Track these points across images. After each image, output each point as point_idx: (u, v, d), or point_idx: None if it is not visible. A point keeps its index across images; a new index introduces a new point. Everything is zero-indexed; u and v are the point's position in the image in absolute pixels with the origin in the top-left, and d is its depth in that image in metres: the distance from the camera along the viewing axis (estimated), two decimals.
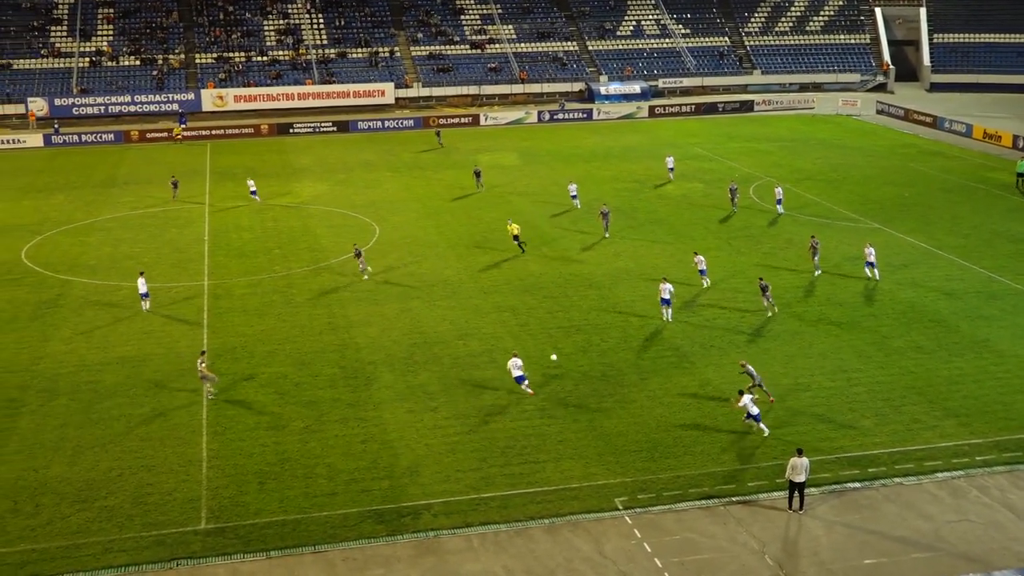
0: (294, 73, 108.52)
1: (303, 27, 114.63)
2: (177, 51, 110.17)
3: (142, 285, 47.85)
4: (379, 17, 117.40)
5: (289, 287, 51.09)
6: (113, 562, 28.55)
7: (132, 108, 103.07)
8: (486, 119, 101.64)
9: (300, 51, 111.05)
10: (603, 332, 44.46)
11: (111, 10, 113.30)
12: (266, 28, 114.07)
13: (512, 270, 52.95)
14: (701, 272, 49.79)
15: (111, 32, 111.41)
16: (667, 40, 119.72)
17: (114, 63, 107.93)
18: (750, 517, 30.43)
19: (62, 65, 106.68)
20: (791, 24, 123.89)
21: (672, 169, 74.30)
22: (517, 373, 38.19)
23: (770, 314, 46.10)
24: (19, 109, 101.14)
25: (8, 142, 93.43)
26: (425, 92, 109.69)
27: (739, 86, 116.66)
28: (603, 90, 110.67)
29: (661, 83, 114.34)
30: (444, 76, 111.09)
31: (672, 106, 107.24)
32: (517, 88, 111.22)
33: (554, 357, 40.86)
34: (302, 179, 76.36)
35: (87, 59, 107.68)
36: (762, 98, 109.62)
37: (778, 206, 63.95)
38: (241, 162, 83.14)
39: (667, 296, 45.22)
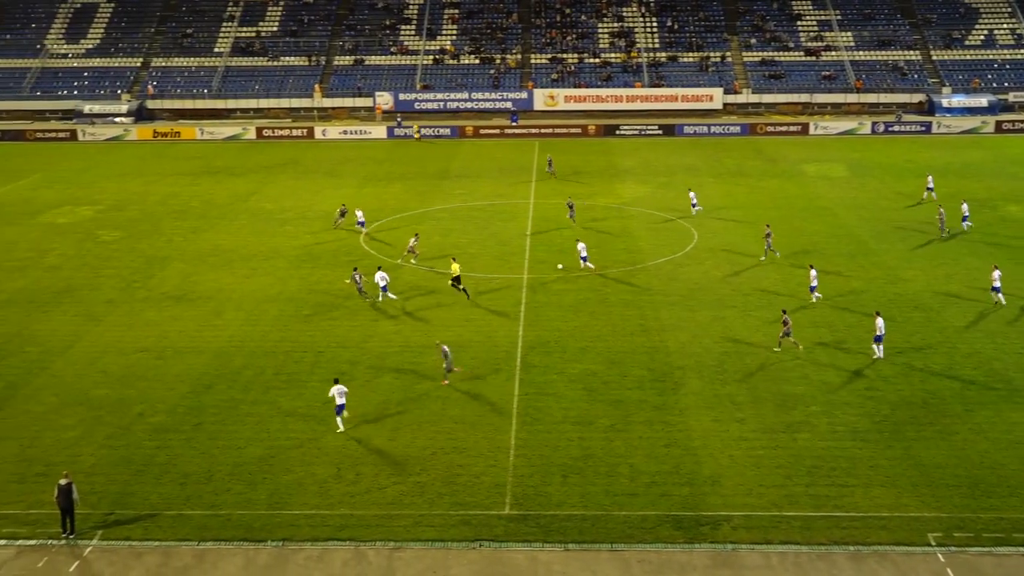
0: (624, 76, 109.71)
1: (636, 30, 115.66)
2: (514, 51, 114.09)
3: (381, 280, 49.38)
4: (713, 22, 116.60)
5: (604, 286, 51.75)
6: (422, 536, 30.03)
7: (468, 105, 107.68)
8: (815, 128, 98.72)
9: (632, 54, 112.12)
10: (926, 357, 42.13)
11: (456, 11, 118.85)
12: (600, 31, 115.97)
13: (832, 285, 51.18)
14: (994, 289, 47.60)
15: (455, 32, 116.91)
16: (1022, 51, 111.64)
17: (455, 61, 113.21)
18: None
19: (408, 62, 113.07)
20: None
21: None
22: (340, 400, 36.28)
23: None
24: (367, 103, 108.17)
25: (356, 133, 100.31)
26: (754, 99, 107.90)
27: None
28: (945, 102, 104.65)
29: (1012, 96, 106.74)
30: (775, 83, 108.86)
31: (1022, 121, 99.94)
32: (851, 97, 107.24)
33: (560, 266, 43.33)
34: (624, 180, 77.10)
35: (431, 57, 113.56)
36: None
37: None
38: (567, 161, 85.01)
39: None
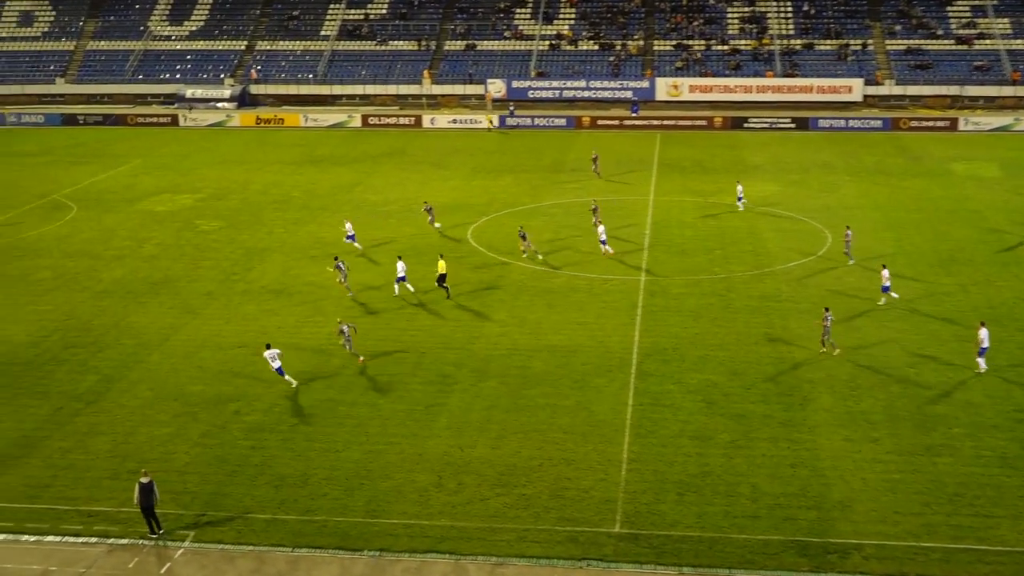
0: (754, 64, 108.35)
1: (769, 15, 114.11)
2: (636, 37, 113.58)
3: (401, 269, 50.72)
4: (854, 6, 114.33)
5: (728, 291, 51.17)
6: (526, 552, 30.06)
7: (586, 93, 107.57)
8: (966, 123, 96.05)
9: (763, 40, 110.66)
10: None
11: None
12: (729, 15, 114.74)
13: (979, 295, 49.76)
14: None
15: (573, 16, 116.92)
16: None
17: (572, 47, 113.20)
18: None
19: (523, 48, 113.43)
20: None
21: None
22: (276, 364, 40.16)
23: None
24: (478, 90, 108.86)
25: (466, 122, 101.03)
26: (898, 90, 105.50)
27: None
28: None
29: None
30: (921, 74, 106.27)
31: None
32: (1007, 90, 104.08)
33: (410, 288, 48.66)
34: (752, 178, 76.13)
35: (547, 42, 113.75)
36: None
37: None
38: (690, 155, 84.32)
39: None
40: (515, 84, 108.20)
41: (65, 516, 32.18)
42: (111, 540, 31.04)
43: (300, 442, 36.54)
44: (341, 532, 31.14)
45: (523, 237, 56.63)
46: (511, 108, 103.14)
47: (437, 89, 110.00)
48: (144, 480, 31.00)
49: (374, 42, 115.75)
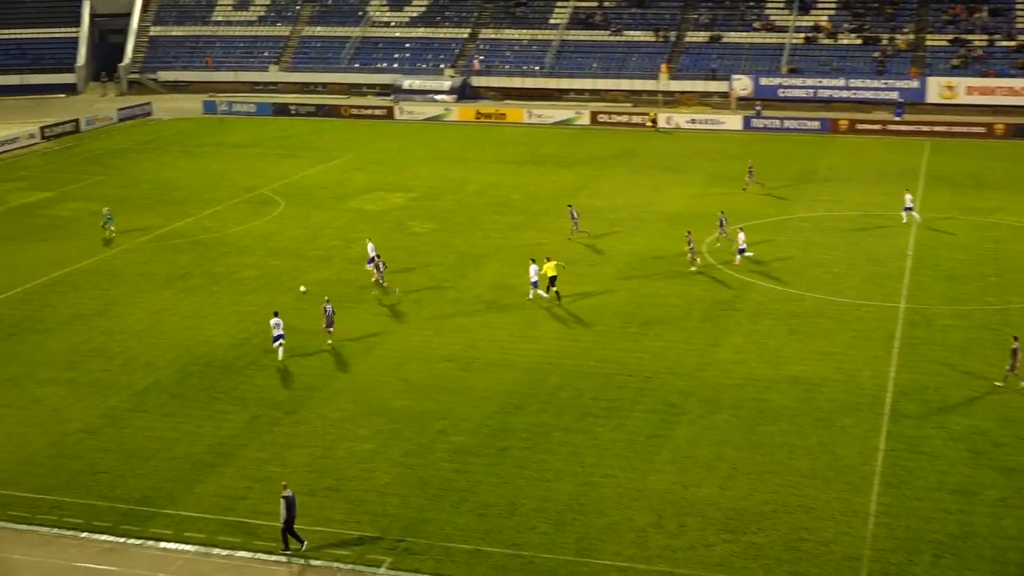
0: None
1: None
2: (905, 30, 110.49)
3: (533, 274, 51.94)
4: None
5: (1003, 324, 49.14)
6: None
7: (844, 94, 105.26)
8: None
9: None
10: None
11: None
12: (1018, 6, 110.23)
13: None
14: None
15: (833, 5, 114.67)
16: None
17: (831, 41, 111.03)
18: None
19: (773, 41, 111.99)
20: None
21: None
22: (277, 332, 45.70)
23: None
24: (721, 87, 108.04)
25: (706, 122, 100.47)
26: None
27: None
28: None
29: None
30: None
31: None
32: None
33: (303, 289, 52.21)
34: None
35: (802, 35, 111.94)
36: None
37: None
38: (964, 167, 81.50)
39: None
40: (763, 81, 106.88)
41: (258, 531, 33.53)
42: (303, 560, 32.12)
43: (508, 468, 37.00)
44: (549, 570, 31.34)
45: (691, 246, 57.38)
46: (757, 108, 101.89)
47: (675, 85, 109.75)
48: (289, 493, 32.11)
49: (607, 32, 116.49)
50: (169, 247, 63.21)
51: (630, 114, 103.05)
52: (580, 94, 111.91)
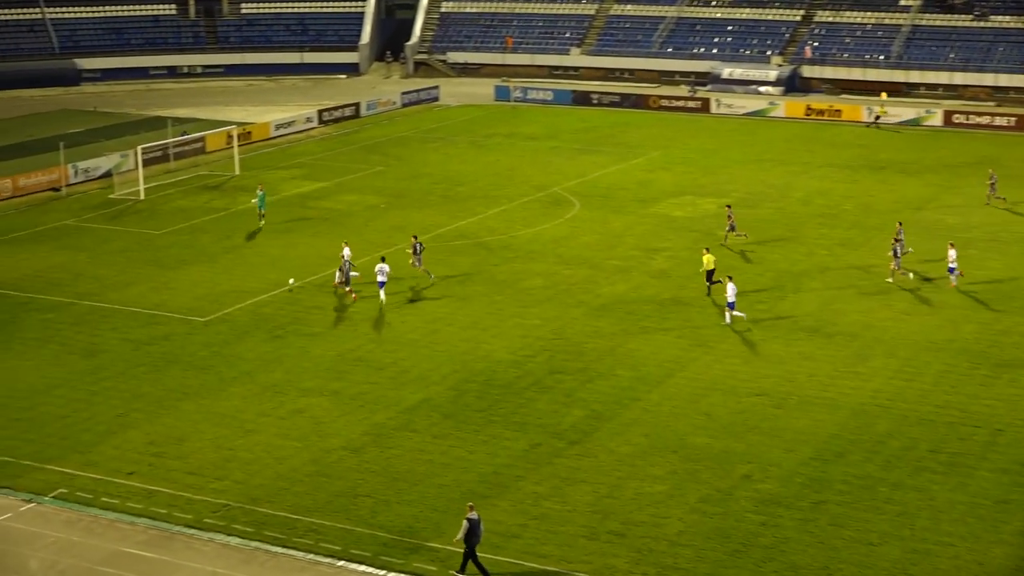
0: None
1: None
2: None
3: (731, 293, 52.49)
4: None
5: None
6: None
7: None
8: None
9: None
10: None
11: None
12: None
13: None
14: None
15: None
16: None
17: None
18: None
19: None
20: None
21: None
22: (381, 278, 54.63)
23: None
24: None
25: None
26: None
27: None
28: None
29: None
30: None
31: None
32: None
33: (292, 280, 57.40)
34: None
35: None
36: None
37: None
38: None
39: None
40: None
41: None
42: None
43: (823, 525, 36.28)
44: None
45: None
46: None
47: None
48: (472, 516, 32.72)
49: (969, 17, 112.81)
50: (449, 248, 64.86)
51: (992, 115, 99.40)
52: (933, 89, 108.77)
